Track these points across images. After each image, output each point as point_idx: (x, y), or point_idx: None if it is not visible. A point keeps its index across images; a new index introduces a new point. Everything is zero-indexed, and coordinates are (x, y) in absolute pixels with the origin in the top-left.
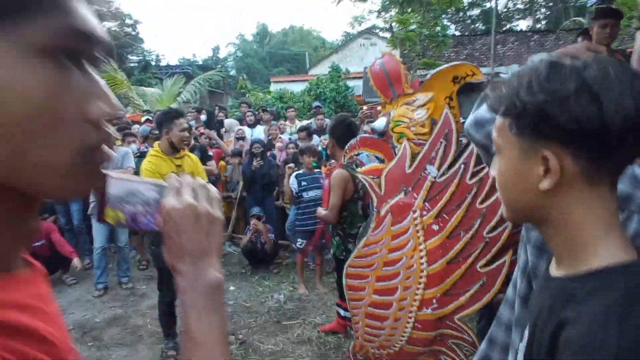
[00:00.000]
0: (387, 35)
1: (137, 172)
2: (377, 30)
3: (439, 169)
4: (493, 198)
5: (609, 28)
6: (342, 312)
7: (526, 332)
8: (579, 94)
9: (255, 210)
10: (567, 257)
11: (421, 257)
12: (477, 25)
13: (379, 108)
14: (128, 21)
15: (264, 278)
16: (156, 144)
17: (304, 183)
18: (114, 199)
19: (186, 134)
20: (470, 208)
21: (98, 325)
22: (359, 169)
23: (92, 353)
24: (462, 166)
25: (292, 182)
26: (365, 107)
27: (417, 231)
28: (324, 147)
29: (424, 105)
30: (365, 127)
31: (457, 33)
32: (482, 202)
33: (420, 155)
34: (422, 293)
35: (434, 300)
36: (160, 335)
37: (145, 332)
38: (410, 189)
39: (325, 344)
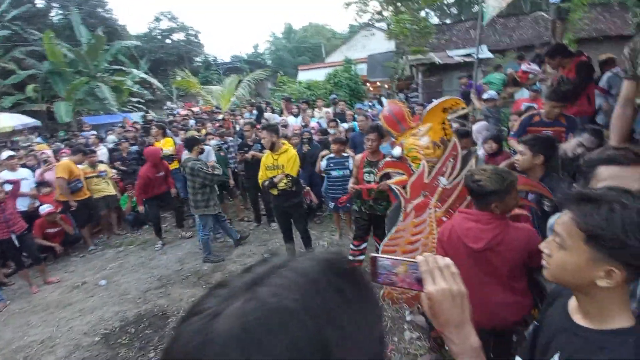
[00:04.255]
0: (382, 25)
1: (217, 162)
2: (374, 22)
3: (448, 179)
4: None
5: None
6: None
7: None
8: None
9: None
10: (595, 315)
11: (434, 239)
12: (451, 9)
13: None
14: (191, 32)
15: (310, 228)
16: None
17: (331, 164)
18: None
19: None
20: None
21: (206, 272)
22: (389, 181)
23: None
24: (464, 177)
25: (322, 163)
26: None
27: (432, 222)
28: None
29: (425, 133)
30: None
31: (436, 18)
32: None
33: (435, 170)
34: None
35: None
36: None
37: None
38: (427, 193)
39: None
